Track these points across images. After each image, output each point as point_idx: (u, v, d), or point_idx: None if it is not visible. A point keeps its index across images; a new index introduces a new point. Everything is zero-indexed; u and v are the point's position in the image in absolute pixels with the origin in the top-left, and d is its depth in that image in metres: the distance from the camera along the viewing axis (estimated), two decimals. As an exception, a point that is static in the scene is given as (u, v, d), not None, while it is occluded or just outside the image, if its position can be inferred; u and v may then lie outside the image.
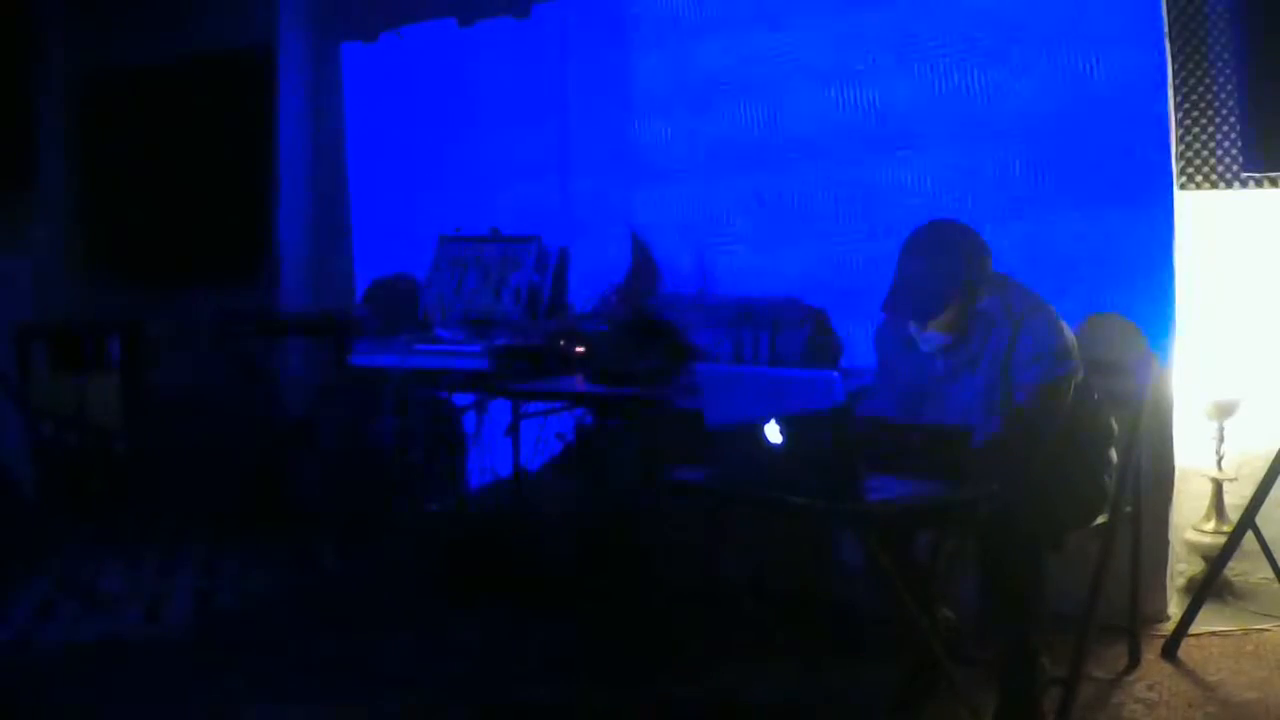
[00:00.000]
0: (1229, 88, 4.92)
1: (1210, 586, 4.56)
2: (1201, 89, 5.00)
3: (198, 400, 7.23)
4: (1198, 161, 5.02)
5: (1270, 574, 4.63)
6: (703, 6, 5.88)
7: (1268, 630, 4.64)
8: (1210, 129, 5.01)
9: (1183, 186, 4.92)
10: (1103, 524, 4.01)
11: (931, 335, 3.90)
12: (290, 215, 7.30)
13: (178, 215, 7.77)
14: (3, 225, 7.49)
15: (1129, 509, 4.16)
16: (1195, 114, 5.01)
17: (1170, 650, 4.45)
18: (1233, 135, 4.92)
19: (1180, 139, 4.93)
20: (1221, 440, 4.95)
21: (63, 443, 7.38)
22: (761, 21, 5.67)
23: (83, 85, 8.19)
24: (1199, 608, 4.47)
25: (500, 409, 6.03)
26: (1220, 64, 4.95)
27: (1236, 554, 4.56)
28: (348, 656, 4.73)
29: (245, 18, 7.35)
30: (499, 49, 6.60)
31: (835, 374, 3.82)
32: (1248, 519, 4.46)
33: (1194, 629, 4.48)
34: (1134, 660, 4.36)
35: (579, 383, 5.25)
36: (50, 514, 6.96)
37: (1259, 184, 4.94)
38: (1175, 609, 4.72)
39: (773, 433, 3.48)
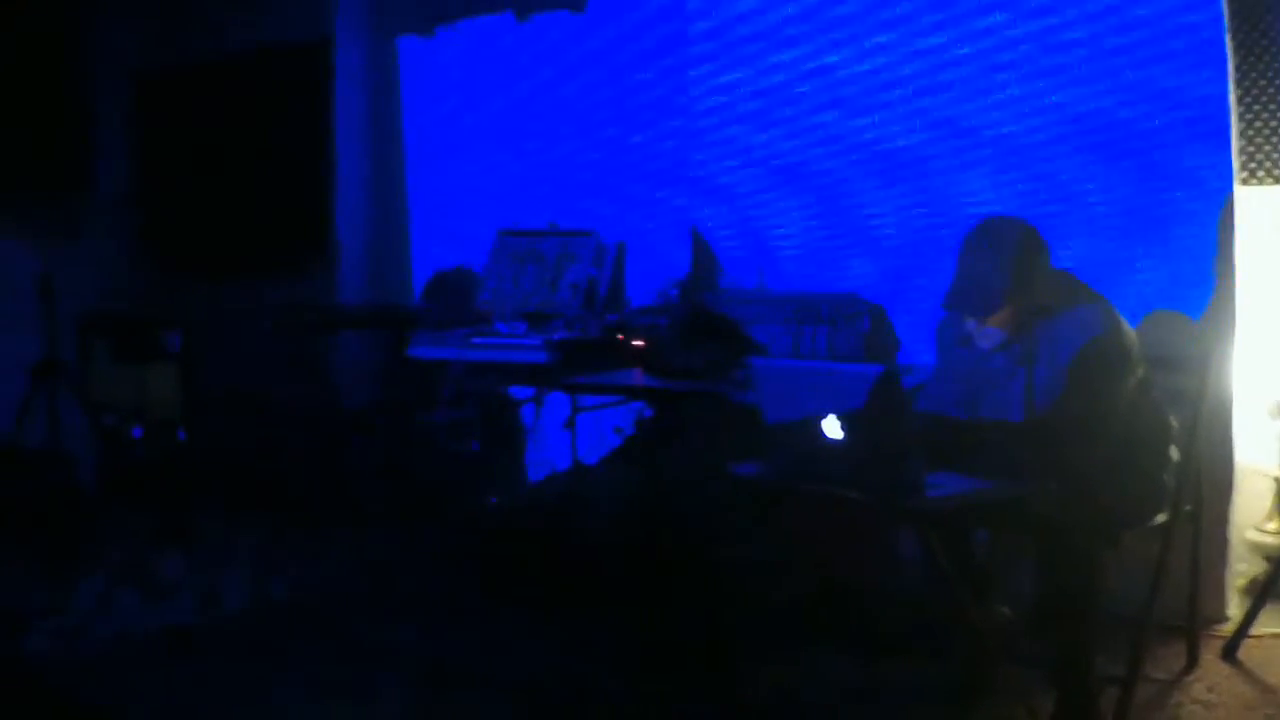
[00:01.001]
0: (1292, 81, 4.88)
1: (1271, 587, 4.51)
2: (1264, 83, 4.94)
3: (257, 391, 7.29)
4: (1259, 156, 4.96)
5: (1332, 575, 4.60)
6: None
7: (1329, 632, 4.60)
8: (1273, 123, 4.95)
9: (1244, 182, 4.88)
10: (1162, 523, 3.99)
11: (990, 331, 3.90)
12: (349, 209, 7.35)
13: (237, 209, 7.83)
14: (65, 219, 7.58)
15: (1189, 508, 4.13)
16: (1257, 108, 4.95)
17: (1230, 651, 4.41)
18: (1295, 130, 4.89)
19: (1242, 134, 4.88)
20: (1284, 439, 4.91)
21: (124, 433, 7.45)
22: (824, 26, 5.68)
23: (142, 81, 8.27)
24: (1259, 609, 4.43)
25: (558, 402, 6.05)
26: (1283, 57, 4.91)
27: (1298, 554, 4.54)
28: (404, 649, 4.76)
29: (303, 13, 7.39)
30: (556, 42, 6.61)
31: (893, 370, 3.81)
32: (1310, 519, 4.43)
33: (1254, 630, 4.44)
34: (1192, 661, 4.33)
35: (637, 376, 5.26)
36: (111, 503, 7.03)
37: (1322, 179, 4.89)
38: (1235, 610, 4.68)
39: (832, 428, 3.49)
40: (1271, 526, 4.92)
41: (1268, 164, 4.94)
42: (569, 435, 5.61)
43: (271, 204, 7.71)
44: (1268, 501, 4.96)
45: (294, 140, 7.60)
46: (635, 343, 5.44)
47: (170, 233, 8.24)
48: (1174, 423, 4.03)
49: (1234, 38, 4.69)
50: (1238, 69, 4.74)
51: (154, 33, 8.10)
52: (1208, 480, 4.32)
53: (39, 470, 6.48)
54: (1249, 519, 4.94)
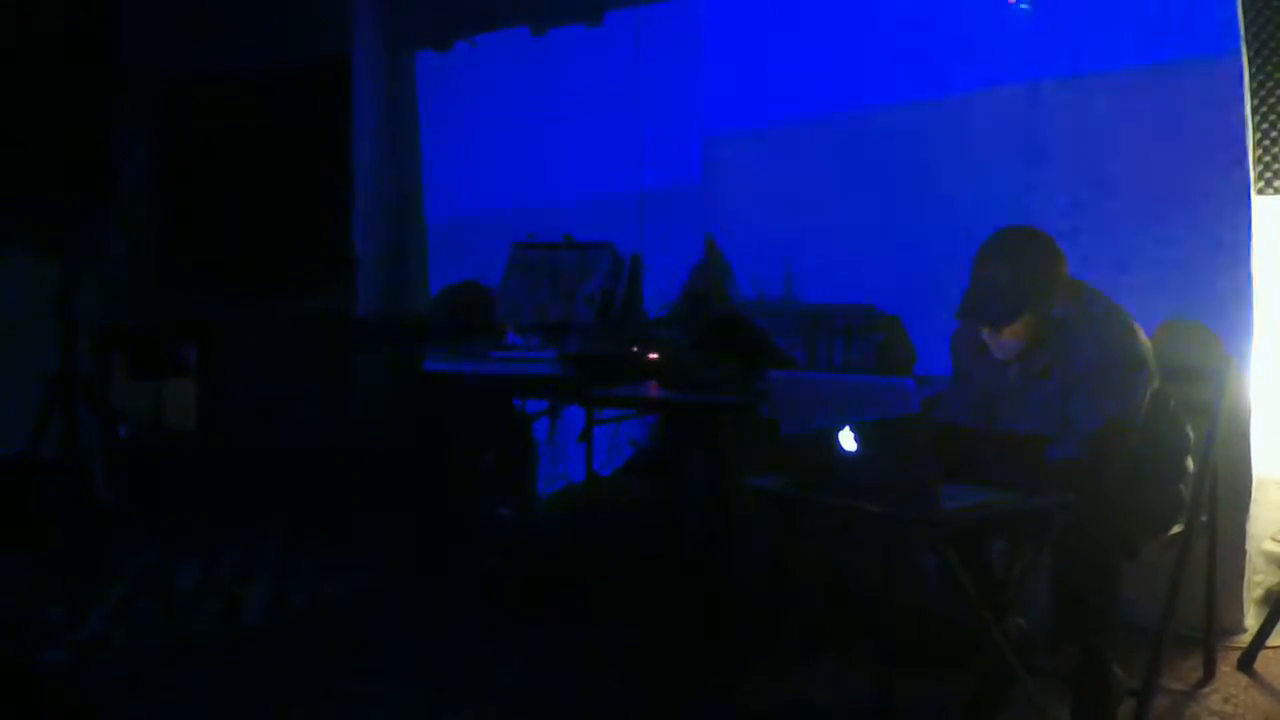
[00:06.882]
0: (1307, 91, 4.88)
1: (1288, 598, 4.52)
2: (1280, 92, 4.95)
3: (274, 404, 7.31)
4: (1276, 166, 4.96)
5: (1350, 586, 4.58)
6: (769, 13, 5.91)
7: (1346, 643, 4.58)
8: (1288, 133, 4.96)
9: (1260, 191, 4.87)
10: (1178, 533, 3.99)
11: (1006, 342, 3.89)
12: (366, 223, 7.37)
13: (254, 223, 7.85)
14: (85, 232, 7.59)
15: (1205, 518, 4.12)
16: (1273, 117, 4.95)
17: (1246, 662, 4.40)
18: (1311, 139, 4.88)
19: (1258, 143, 4.88)
20: (1301, 448, 4.89)
21: (140, 445, 7.47)
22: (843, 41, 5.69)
23: (161, 95, 8.29)
24: (1276, 619, 4.41)
25: (574, 415, 6.06)
26: (1299, 66, 4.90)
27: (1315, 565, 4.53)
28: (420, 662, 4.77)
29: (321, 28, 7.42)
30: (572, 56, 6.63)
31: (909, 381, 3.82)
32: (1327, 529, 4.42)
33: (1271, 641, 4.42)
34: (1209, 672, 4.32)
35: (652, 389, 5.26)
36: (127, 515, 7.05)
37: (1338, 188, 4.88)
38: (1252, 620, 4.66)
39: (847, 440, 3.49)
40: (1288, 537, 4.91)
41: (1284, 173, 4.94)
42: (584, 448, 5.61)
43: (290, 218, 7.73)
44: (1285, 512, 4.95)
45: (313, 154, 7.62)
46: (650, 355, 5.44)
47: (189, 246, 8.26)
48: (1191, 433, 4.02)
49: (1249, 47, 4.68)
50: (1253, 79, 4.73)
51: (175, 47, 8.13)
52: (1225, 491, 4.31)
53: (57, 482, 6.49)
54: (1266, 530, 4.93)
